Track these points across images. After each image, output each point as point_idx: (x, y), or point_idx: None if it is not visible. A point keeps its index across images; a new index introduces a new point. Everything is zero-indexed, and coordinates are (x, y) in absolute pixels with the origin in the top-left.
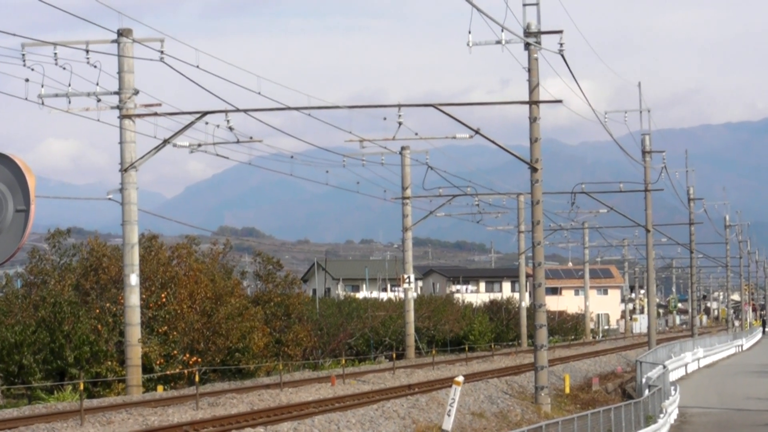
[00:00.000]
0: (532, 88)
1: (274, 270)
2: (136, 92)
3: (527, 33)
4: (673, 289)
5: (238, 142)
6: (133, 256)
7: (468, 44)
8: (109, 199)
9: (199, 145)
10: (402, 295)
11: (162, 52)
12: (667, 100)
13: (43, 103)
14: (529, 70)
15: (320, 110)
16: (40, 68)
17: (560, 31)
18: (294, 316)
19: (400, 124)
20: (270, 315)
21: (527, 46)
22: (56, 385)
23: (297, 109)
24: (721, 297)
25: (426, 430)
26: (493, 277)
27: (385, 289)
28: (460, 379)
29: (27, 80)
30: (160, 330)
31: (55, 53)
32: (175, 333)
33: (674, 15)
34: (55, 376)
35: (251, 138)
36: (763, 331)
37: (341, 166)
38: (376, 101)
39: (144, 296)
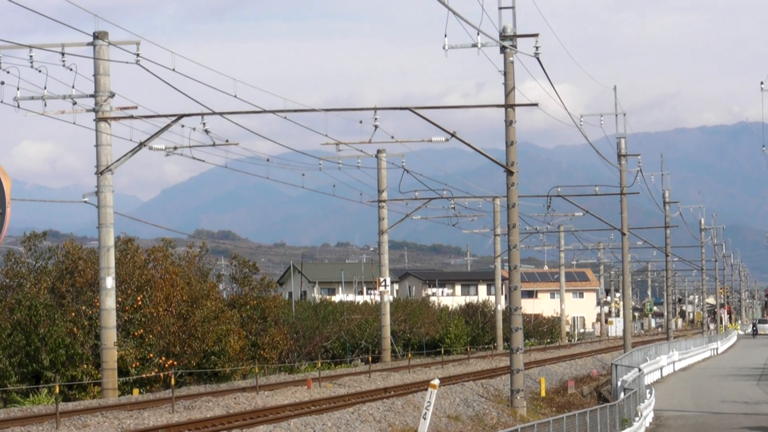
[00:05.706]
0: (508, 91)
1: (250, 273)
2: (112, 95)
3: (503, 36)
4: (649, 292)
5: (214, 145)
6: (109, 259)
7: (444, 47)
8: (85, 202)
9: (175, 148)
10: (378, 299)
11: (138, 55)
12: (642, 104)
13: (18, 106)
14: (505, 74)
15: (296, 113)
16: (16, 71)
17: (536, 35)
18: (270, 319)
19: (376, 127)
20: (246, 318)
21: (503, 49)
22: (32, 388)
23: (273, 112)
24: (697, 300)
25: None
26: (468, 280)
27: (361, 292)
28: (436, 382)
29: (2, 83)
30: (135, 333)
31: (31, 56)
32: (150, 336)
33: (652, 22)
34: (30, 379)
35: (227, 141)
36: (754, 334)
37: (317, 170)
38: (353, 104)
39: (120, 299)
